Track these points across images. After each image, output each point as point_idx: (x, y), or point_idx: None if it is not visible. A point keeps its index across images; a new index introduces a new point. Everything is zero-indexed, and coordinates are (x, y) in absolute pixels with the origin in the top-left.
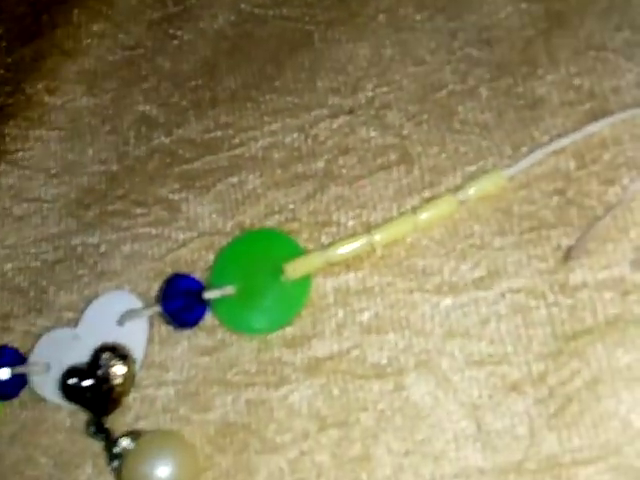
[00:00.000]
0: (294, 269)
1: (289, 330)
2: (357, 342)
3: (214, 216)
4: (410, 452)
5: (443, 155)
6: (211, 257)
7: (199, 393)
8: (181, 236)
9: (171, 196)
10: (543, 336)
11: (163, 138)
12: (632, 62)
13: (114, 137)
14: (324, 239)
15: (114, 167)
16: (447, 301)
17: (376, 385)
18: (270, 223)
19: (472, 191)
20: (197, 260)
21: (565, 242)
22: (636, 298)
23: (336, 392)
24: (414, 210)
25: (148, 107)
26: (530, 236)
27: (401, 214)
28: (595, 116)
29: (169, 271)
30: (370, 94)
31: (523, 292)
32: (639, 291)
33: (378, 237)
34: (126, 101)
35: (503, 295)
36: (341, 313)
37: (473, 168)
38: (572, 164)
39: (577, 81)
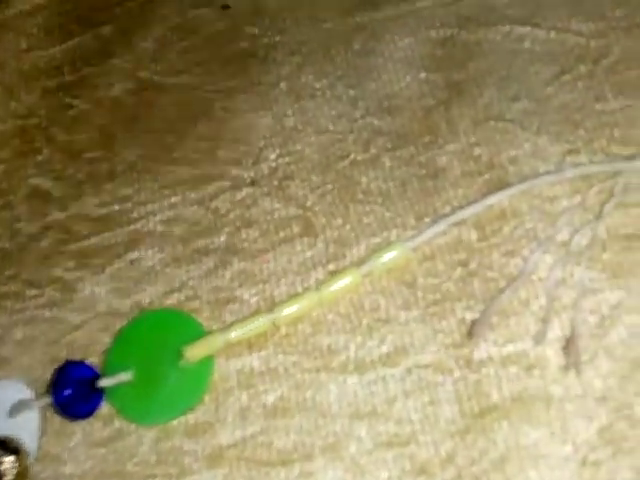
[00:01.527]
0: (194, 352)
1: (191, 417)
2: (262, 427)
3: (111, 296)
4: None
5: (347, 226)
6: (108, 340)
7: None
8: (77, 318)
9: (66, 275)
10: (450, 414)
11: (58, 213)
12: (529, 132)
13: (6, 212)
14: (227, 317)
15: (6, 245)
16: (353, 380)
17: (282, 472)
18: (170, 302)
19: (376, 264)
20: (93, 343)
21: (469, 315)
22: (540, 373)
23: None
24: (318, 285)
25: (42, 180)
26: (435, 309)
27: (305, 289)
28: (494, 186)
29: (65, 355)
30: (273, 165)
31: (430, 368)
32: (542, 366)
33: (281, 314)
34: (19, 174)
35: (410, 371)
36: (245, 396)
37: (377, 239)
38: (474, 235)
39: (477, 151)
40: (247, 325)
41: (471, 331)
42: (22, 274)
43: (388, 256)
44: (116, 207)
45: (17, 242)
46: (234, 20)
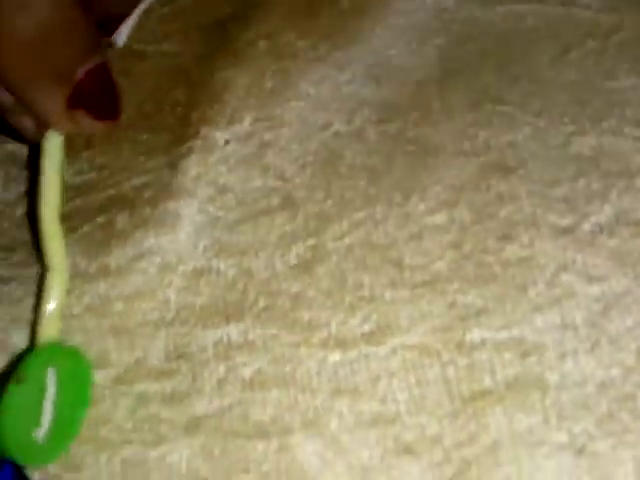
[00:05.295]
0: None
1: (167, 386)
2: (239, 399)
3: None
4: None
5: (329, 201)
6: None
7: (69, 450)
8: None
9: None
10: (438, 396)
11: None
12: (529, 114)
13: None
14: (203, 289)
15: None
16: (335, 356)
17: (259, 445)
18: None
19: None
20: None
21: (461, 299)
22: (536, 359)
23: (217, 452)
24: None
25: (18, 147)
26: (423, 290)
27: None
28: (491, 169)
29: (28, 317)
30: (249, 128)
31: (416, 349)
32: (539, 352)
33: None
34: None
35: (395, 351)
36: (222, 368)
37: (361, 215)
38: (467, 217)
39: (472, 132)
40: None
41: None
42: None
43: None
44: (93, 175)
45: None
46: None
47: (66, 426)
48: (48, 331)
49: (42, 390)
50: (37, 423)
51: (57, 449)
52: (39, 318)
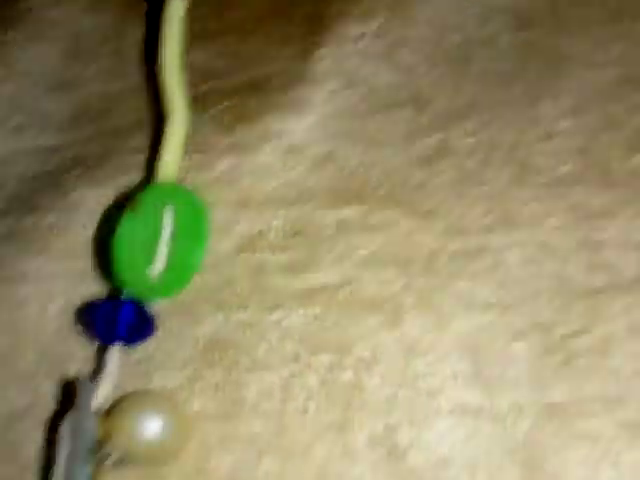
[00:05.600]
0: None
1: (283, 257)
2: (355, 275)
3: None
4: (404, 385)
5: (457, 100)
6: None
7: (190, 307)
8: None
9: None
10: (556, 289)
11: None
12: None
13: (116, 57)
14: (325, 172)
15: (115, 87)
16: (454, 245)
17: (372, 318)
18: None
19: None
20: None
21: (585, 201)
22: None
23: (329, 322)
24: None
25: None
26: (547, 190)
27: None
28: (625, 81)
29: None
30: (382, 26)
31: (536, 245)
32: None
33: None
34: (131, 21)
35: (514, 244)
36: (341, 245)
37: (487, 116)
38: (597, 124)
39: (609, 44)
40: None
41: None
42: (129, 114)
43: None
44: (223, 61)
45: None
46: None
47: (181, 268)
48: (167, 171)
49: (158, 228)
50: (151, 260)
51: (170, 290)
52: (159, 160)
